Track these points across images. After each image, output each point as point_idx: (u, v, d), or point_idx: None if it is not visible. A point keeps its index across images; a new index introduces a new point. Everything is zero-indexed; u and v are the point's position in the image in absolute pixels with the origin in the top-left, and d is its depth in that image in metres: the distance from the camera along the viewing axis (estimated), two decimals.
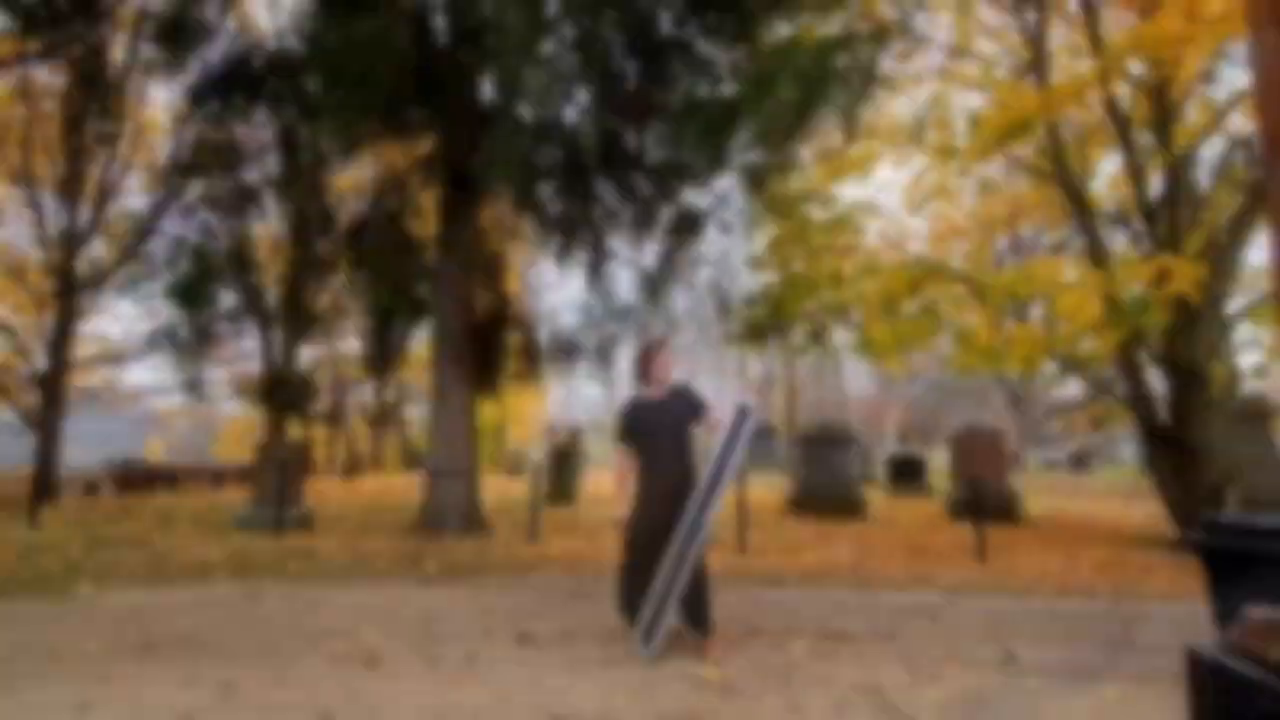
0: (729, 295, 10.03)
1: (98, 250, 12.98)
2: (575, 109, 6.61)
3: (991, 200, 11.88)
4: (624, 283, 10.14)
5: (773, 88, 6.14)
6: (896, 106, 10.04)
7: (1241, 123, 10.18)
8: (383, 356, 10.96)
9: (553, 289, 10.82)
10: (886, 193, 10.94)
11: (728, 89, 6.92)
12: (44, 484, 10.99)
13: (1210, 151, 8.87)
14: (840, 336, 8.61)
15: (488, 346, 10.03)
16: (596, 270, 9.89)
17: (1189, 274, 5.90)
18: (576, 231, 9.39)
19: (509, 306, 10.64)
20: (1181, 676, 1.40)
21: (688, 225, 9.23)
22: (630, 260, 9.84)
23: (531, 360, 10.65)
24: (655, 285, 9.68)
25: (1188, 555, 7.28)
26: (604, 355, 10.52)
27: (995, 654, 3.95)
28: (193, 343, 9.82)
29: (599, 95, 6.66)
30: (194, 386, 10.22)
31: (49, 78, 11.61)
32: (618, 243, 9.72)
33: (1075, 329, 6.09)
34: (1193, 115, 8.85)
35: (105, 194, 12.20)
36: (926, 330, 7.25)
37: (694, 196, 9.08)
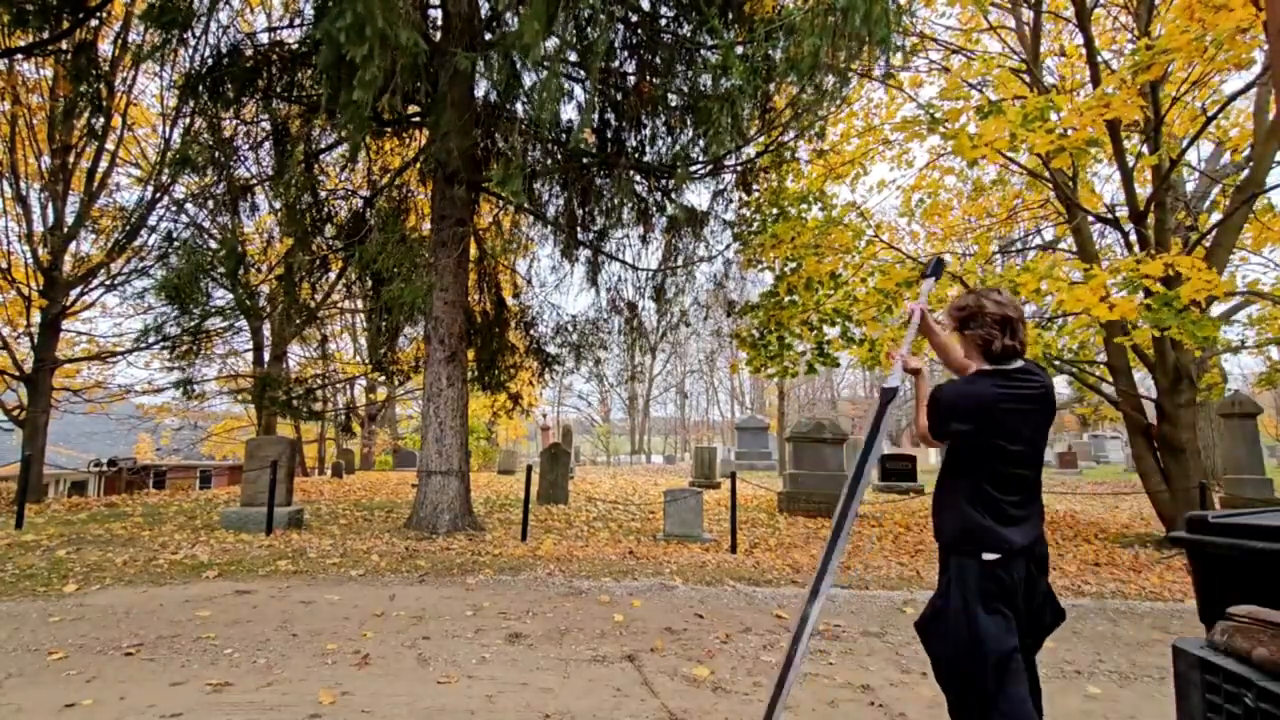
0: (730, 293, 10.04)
1: (85, 246, 12.86)
2: (575, 105, 6.56)
3: (986, 200, 11.96)
4: (625, 281, 10.13)
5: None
6: (894, 104, 10.08)
7: (1231, 126, 10.29)
8: (378, 355, 10.88)
9: (551, 287, 10.75)
10: (882, 194, 10.94)
11: (726, 83, 6.89)
12: (29, 482, 10.86)
13: (1197, 154, 8.94)
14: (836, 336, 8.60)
15: (485, 345, 9.99)
16: (596, 268, 9.87)
17: (1200, 275, 5.91)
18: (576, 229, 9.36)
19: (506, 305, 10.60)
20: (1169, 673, 1.41)
21: (688, 223, 9.20)
22: (631, 258, 9.81)
23: (529, 359, 10.62)
24: (656, 283, 9.67)
25: (1175, 553, 7.35)
26: (602, 354, 10.52)
27: None
28: (184, 341, 9.72)
29: (598, 91, 6.61)
30: (185, 385, 10.12)
31: (35, 70, 11.47)
32: (618, 241, 9.70)
33: (1080, 326, 6.03)
34: (1181, 119, 8.92)
35: (93, 189, 12.07)
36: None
37: (694, 196, 9.09)
